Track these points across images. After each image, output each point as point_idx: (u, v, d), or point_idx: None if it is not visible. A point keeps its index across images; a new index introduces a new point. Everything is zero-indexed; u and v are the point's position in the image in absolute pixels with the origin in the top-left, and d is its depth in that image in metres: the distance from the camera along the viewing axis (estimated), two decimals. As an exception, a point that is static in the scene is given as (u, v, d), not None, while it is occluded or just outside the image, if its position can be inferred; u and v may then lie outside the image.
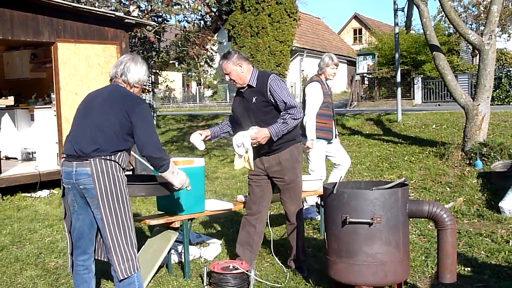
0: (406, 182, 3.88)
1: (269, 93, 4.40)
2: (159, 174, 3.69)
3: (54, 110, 8.93)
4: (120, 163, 3.49)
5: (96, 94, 3.67)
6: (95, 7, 11.66)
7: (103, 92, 3.64)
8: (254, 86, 4.47)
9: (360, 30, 41.91)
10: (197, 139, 4.53)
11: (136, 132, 3.46)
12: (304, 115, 4.99)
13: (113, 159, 3.43)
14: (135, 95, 3.64)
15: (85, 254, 3.65)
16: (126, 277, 3.44)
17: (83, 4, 12.01)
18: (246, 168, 4.40)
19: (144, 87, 17.82)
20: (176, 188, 3.77)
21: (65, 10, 8.80)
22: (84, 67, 8.98)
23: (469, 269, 4.59)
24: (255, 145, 4.35)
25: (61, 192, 3.65)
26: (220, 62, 4.56)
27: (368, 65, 23.06)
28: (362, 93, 23.61)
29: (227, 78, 4.50)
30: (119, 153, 3.47)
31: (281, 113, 4.38)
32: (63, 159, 3.55)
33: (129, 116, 3.44)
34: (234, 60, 4.45)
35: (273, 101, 4.40)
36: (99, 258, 3.73)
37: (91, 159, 3.39)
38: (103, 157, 3.40)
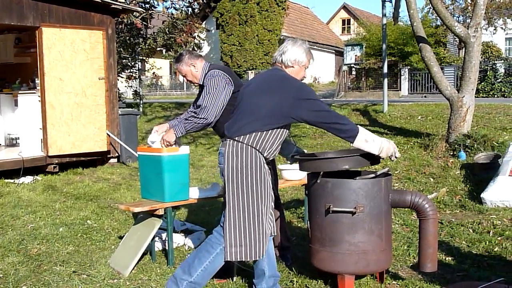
0: (389, 172, 3.91)
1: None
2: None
3: (39, 96, 8.84)
4: (255, 146, 3.45)
5: (259, 77, 3.80)
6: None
7: (266, 75, 3.77)
8: (202, 83, 4.47)
9: (349, 21, 41.92)
10: (156, 138, 4.46)
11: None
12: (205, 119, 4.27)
13: (245, 142, 3.44)
14: (291, 78, 3.62)
15: None
16: (231, 260, 3.49)
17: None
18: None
19: (131, 74, 17.78)
20: (382, 157, 3.66)
21: (50, -6, 8.70)
22: (69, 52, 8.88)
23: (450, 258, 4.64)
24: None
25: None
26: (174, 66, 4.56)
27: (355, 55, 23.09)
28: (349, 83, 23.67)
29: (185, 79, 4.52)
30: (254, 133, 3.44)
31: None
32: None
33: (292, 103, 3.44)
34: (186, 61, 4.43)
35: None
36: None
37: (228, 140, 3.50)
38: (236, 139, 3.45)
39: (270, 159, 3.61)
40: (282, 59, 3.68)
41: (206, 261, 3.51)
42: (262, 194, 3.46)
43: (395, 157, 3.67)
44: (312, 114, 3.46)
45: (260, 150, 3.46)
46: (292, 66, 3.68)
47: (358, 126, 3.56)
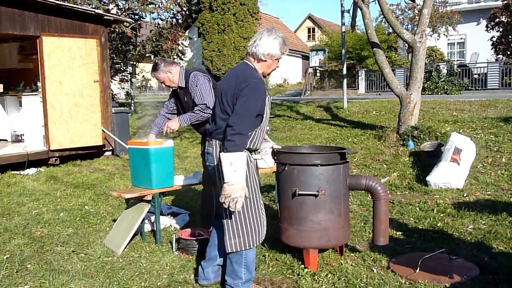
0: (348, 160, 3.92)
1: (190, 90, 4.35)
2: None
3: (40, 97, 8.67)
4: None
5: (226, 75, 3.31)
6: (77, 4, 11.32)
7: (231, 73, 3.28)
8: (184, 86, 4.42)
9: (314, 29, 41.95)
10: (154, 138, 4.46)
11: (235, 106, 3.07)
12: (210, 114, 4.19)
13: None
14: (248, 75, 3.12)
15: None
16: (232, 251, 3.19)
17: (66, 1, 11.65)
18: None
19: (123, 77, 17.54)
20: (224, 193, 2.96)
21: (49, 7, 8.52)
22: (67, 58, 8.72)
23: (400, 233, 4.70)
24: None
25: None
26: (152, 75, 4.52)
27: (319, 59, 23.13)
28: (314, 83, 23.69)
29: (163, 85, 4.50)
30: None
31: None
32: None
33: (236, 98, 3.08)
34: (162, 68, 4.38)
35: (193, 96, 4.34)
36: None
37: (213, 140, 3.27)
38: (221, 138, 3.18)
39: (257, 149, 3.32)
40: (256, 52, 3.21)
41: (242, 260, 3.25)
42: (253, 186, 3.24)
43: (228, 205, 2.95)
44: (237, 106, 3.06)
45: (246, 147, 3.17)
46: (265, 60, 3.23)
47: (242, 150, 3.00)
